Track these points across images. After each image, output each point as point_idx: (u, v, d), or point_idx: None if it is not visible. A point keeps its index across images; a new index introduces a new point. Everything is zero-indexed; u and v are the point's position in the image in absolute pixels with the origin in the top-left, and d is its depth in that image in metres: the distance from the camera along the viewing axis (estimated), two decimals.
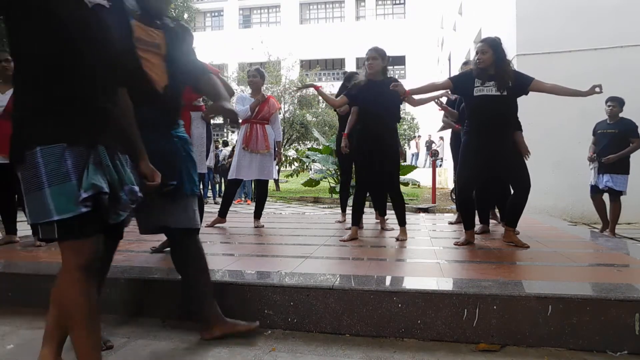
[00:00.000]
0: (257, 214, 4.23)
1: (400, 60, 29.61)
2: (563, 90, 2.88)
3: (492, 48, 2.83)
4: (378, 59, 3.17)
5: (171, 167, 1.65)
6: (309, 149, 13.87)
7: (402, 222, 3.12)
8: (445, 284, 1.85)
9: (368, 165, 3.17)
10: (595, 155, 4.72)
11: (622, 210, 4.63)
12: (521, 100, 3.00)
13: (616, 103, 4.64)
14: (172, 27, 1.77)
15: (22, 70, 1.20)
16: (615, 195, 4.57)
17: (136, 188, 1.30)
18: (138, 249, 2.86)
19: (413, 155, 22.11)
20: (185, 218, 1.73)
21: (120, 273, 2.18)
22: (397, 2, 31.31)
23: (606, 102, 4.71)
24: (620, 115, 4.65)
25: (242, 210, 8.51)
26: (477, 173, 2.96)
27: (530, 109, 6.66)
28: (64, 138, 1.15)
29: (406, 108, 24.93)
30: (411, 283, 1.88)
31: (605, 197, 4.72)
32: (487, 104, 2.84)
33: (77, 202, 1.15)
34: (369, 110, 3.15)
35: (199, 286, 1.74)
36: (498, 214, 4.25)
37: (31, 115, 1.16)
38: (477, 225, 3.37)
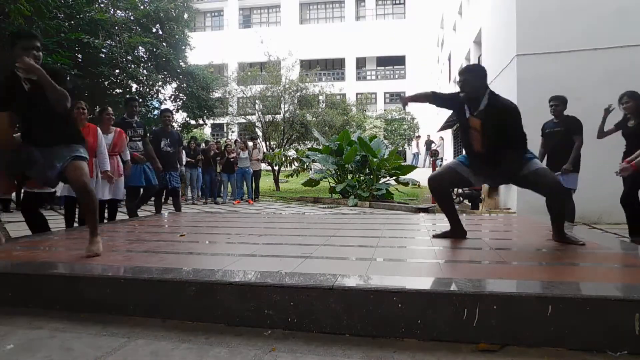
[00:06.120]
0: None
1: (400, 60, 29.62)
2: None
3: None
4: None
5: None
6: (309, 149, 13.86)
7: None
8: (445, 284, 1.85)
9: None
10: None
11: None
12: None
13: (559, 102, 4.74)
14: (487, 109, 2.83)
15: None
16: (567, 193, 4.61)
17: None
18: (138, 249, 2.86)
19: (413, 155, 22.14)
20: None
21: (120, 273, 2.18)
22: (397, 2, 31.30)
23: (549, 101, 4.81)
24: (573, 113, 4.75)
25: (242, 211, 8.51)
26: None
27: (530, 110, 6.67)
28: None
29: (406, 108, 24.95)
30: (411, 283, 1.88)
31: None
32: None
33: None
34: None
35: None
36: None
37: None
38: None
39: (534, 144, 5.17)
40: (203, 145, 11.29)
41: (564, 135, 4.65)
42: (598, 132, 4.62)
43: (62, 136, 2.64)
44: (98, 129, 4.38)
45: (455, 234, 3.17)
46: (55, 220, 6.44)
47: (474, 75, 2.90)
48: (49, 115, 2.56)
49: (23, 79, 2.52)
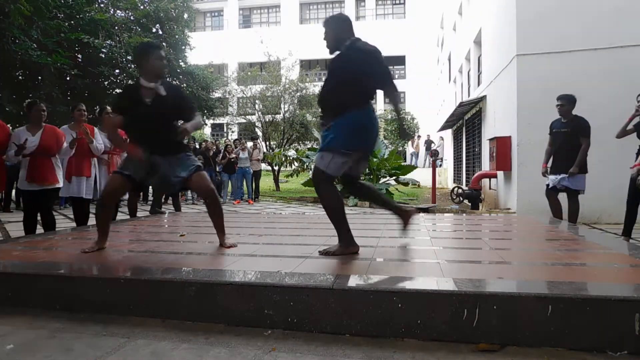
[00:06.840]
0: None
1: (400, 60, 29.57)
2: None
3: None
4: None
5: None
6: (309, 149, 13.85)
7: None
8: (445, 284, 1.85)
9: None
10: (549, 167, 4.79)
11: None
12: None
13: (565, 101, 4.60)
14: None
15: None
16: (573, 194, 4.55)
17: None
18: (138, 249, 2.86)
19: (412, 155, 22.11)
20: None
21: (120, 273, 2.18)
22: (397, 2, 31.29)
23: (557, 100, 4.69)
24: (576, 113, 4.64)
25: (242, 211, 8.51)
26: None
27: (530, 110, 6.68)
28: None
29: (406, 108, 24.92)
30: (411, 283, 1.88)
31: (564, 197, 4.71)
32: None
33: None
34: None
35: None
36: None
37: None
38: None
39: (536, 143, 5.19)
40: (203, 144, 11.28)
41: (571, 136, 4.54)
42: (620, 130, 4.48)
43: (181, 145, 2.88)
44: (96, 129, 4.40)
45: (345, 248, 2.58)
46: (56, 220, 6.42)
47: (333, 26, 2.65)
48: (169, 126, 2.76)
49: (144, 92, 2.70)
